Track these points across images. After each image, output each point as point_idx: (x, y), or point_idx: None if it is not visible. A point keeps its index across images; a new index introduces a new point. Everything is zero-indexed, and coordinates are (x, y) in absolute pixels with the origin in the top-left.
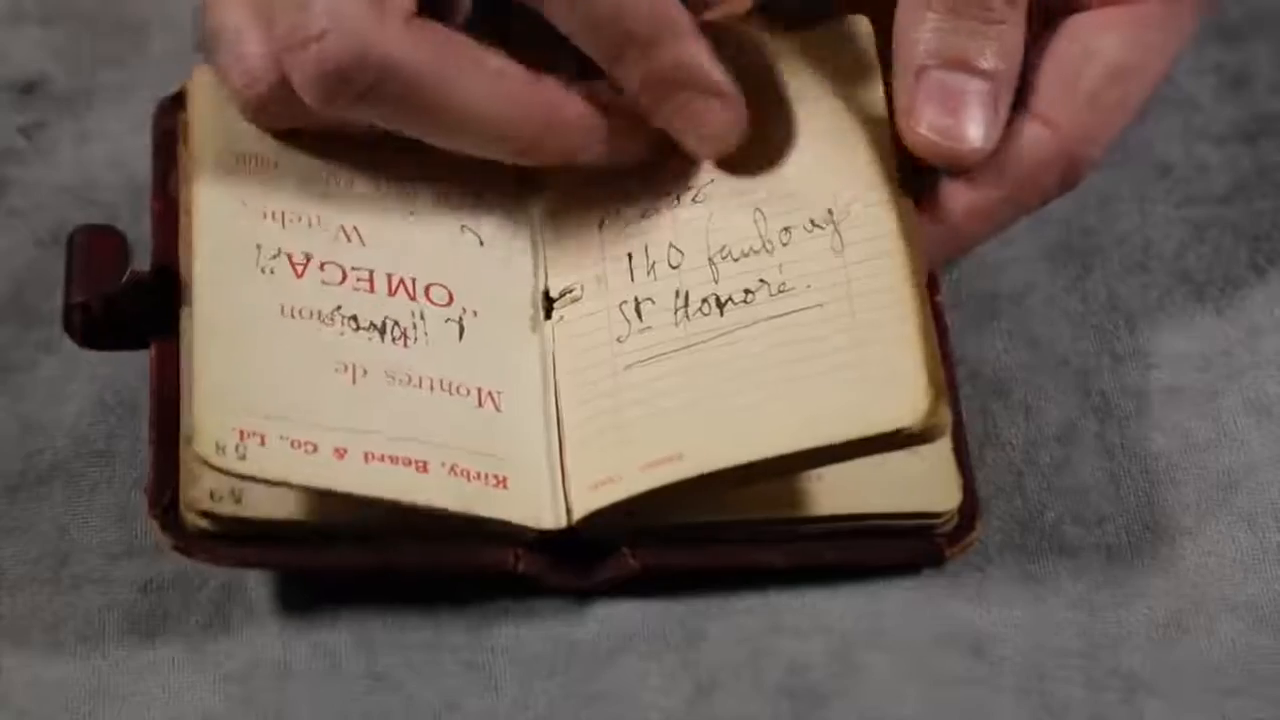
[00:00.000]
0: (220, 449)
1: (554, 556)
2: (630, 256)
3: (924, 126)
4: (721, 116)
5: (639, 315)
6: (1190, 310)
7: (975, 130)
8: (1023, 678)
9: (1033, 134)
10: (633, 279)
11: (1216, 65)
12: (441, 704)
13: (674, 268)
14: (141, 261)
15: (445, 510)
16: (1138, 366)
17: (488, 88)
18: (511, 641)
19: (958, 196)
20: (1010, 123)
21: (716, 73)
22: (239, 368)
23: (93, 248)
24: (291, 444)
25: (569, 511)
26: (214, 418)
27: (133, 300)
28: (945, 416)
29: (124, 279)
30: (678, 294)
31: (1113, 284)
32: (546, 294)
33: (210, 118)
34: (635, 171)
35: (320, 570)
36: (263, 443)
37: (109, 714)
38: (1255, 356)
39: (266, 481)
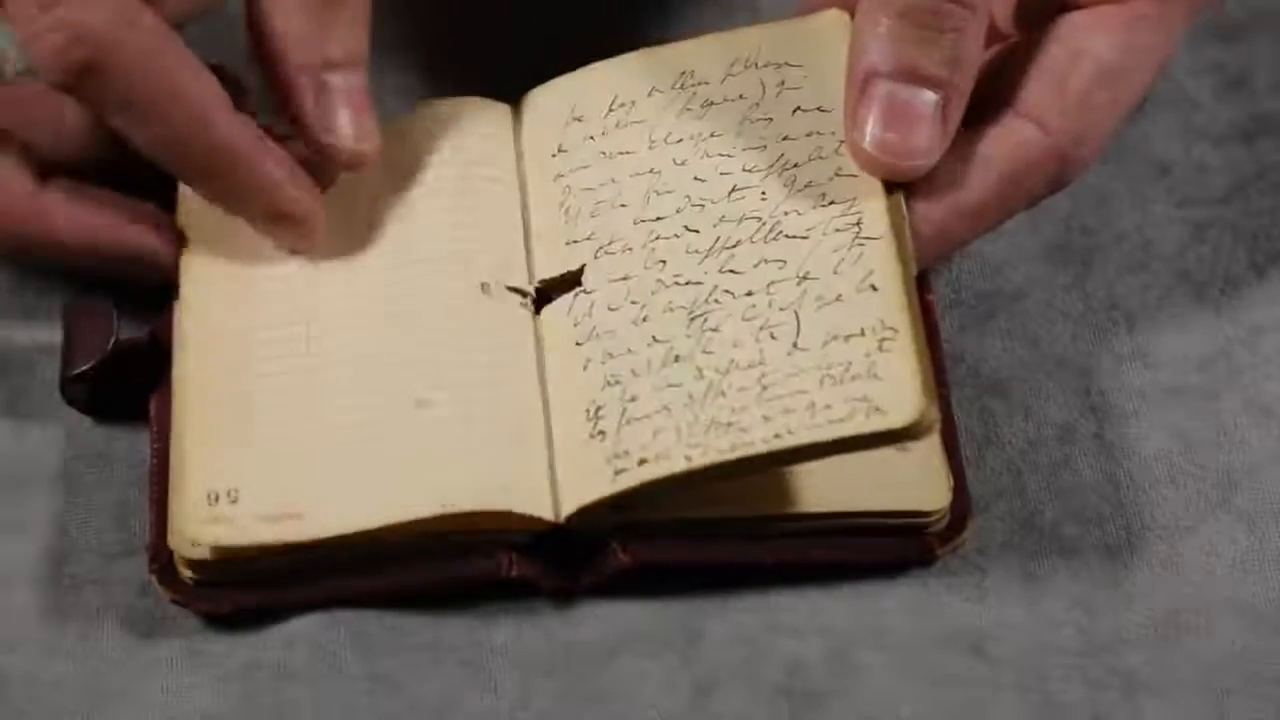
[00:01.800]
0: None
1: (548, 558)
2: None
3: (865, 139)
4: (285, 231)
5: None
6: (1190, 310)
7: (916, 145)
8: (1022, 677)
9: (1022, 134)
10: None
11: (1216, 64)
12: (441, 704)
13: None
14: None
15: (435, 516)
16: (1137, 366)
17: None
18: (511, 642)
19: (945, 194)
20: (999, 122)
21: (283, 195)
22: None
23: (84, 321)
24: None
25: (558, 506)
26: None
27: (121, 367)
28: (933, 415)
29: (110, 347)
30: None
31: (1113, 283)
32: (537, 289)
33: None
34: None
35: (317, 604)
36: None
37: (108, 714)
38: (1255, 356)
39: (250, 549)
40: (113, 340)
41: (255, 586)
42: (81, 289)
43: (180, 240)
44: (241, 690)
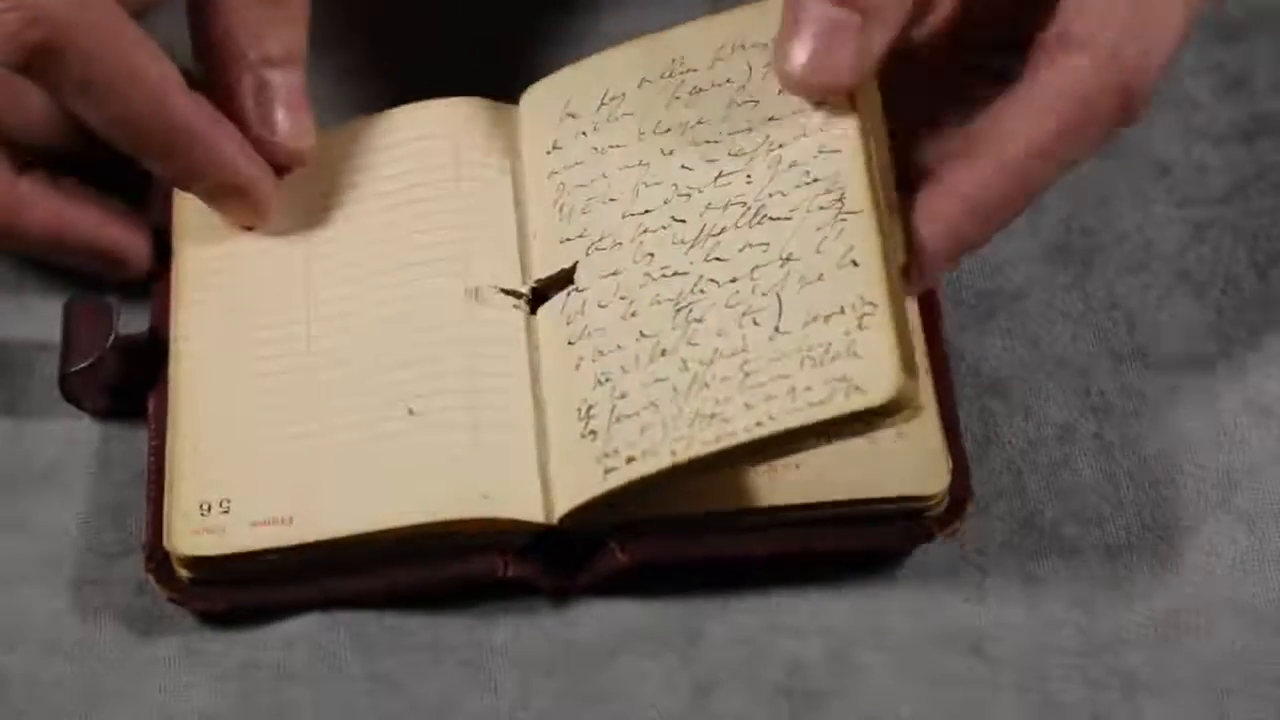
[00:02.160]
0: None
1: (547, 558)
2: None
3: (788, 60)
4: (239, 207)
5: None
6: (1190, 310)
7: (836, 63)
8: (1022, 677)
9: (1082, 67)
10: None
11: (1216, 64)
12: (441, 705)
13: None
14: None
15: (430, 522)
16: (1137, 366)
17: None
18: (511, 642)
19: (1018, 136)
20: (1058, 58)
21: (237, 171)
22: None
23: (83, 317)
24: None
25: (552, 508)
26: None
27: (121, 363)
28: (912, 391)
29: (109, 343)
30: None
31: (1113, 283)
32: (533, 289)
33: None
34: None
35: (314, 604)
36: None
37: (106, 714)
38: (1256, 356)
39: (242, 555)
40: (112, 337)
41: (252, 585)
42: (81, 286)
43: (173, 244)
44: (240, 690)
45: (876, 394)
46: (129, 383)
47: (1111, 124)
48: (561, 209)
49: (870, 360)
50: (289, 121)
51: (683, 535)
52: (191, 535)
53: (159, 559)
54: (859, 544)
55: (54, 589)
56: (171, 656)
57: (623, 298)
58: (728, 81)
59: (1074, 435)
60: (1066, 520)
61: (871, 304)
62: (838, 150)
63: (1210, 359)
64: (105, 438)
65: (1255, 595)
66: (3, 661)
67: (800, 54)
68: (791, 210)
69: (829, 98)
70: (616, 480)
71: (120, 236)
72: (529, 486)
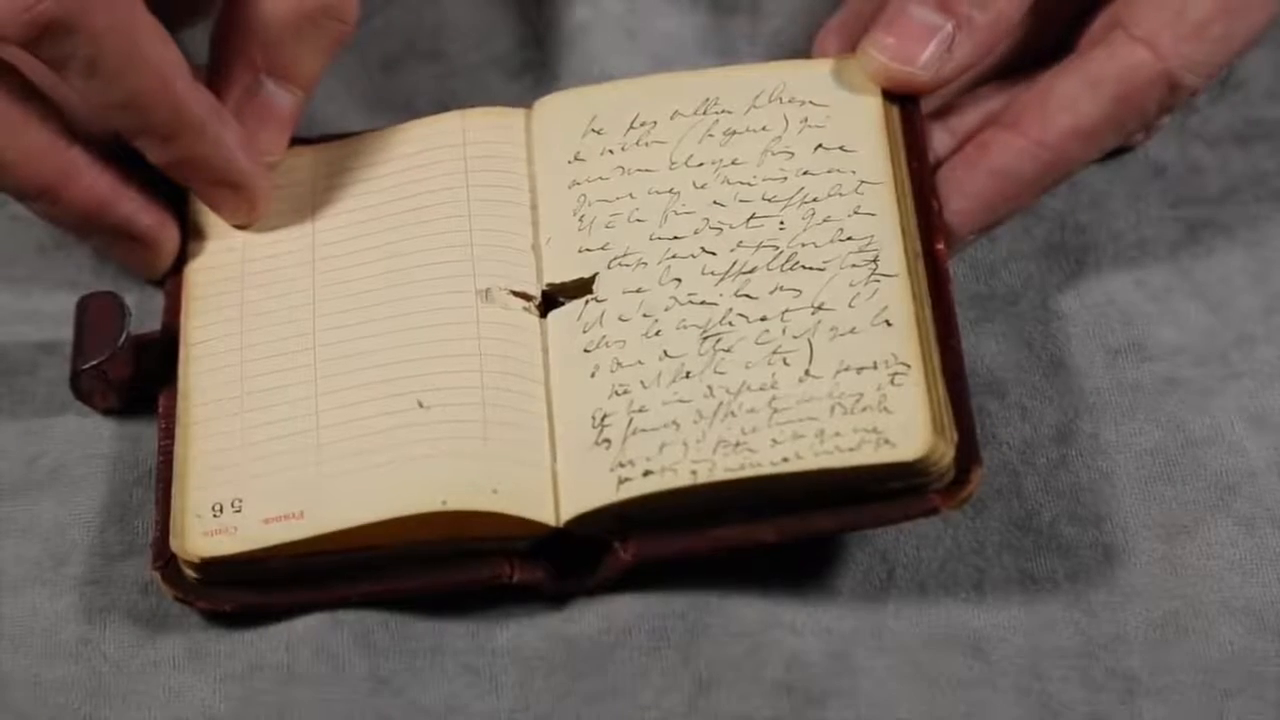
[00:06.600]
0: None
1: (550, 561)
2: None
3: (873, 43)
4: (233, 201)
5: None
6: (1185, 310)
7: (913, 54)
8: (1021, 678)
9: (1135, 57)
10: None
11: None
12: (443, 707)
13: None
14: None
15: (434, 514)
16: (1133, 361)
17: None
18: (513, 643)
19: (1060, 118)
20: (1110, 44)
21: (235, 164)
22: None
23: (96, 314)
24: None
25: (559, 511)
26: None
27: (133, 361)
28: (942, 451)
29: (120, 342)
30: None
31: (1107, 283)
32: (545, 293)
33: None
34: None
35: (321, 606)
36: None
37: (109, 714)
38: (1251, 360)
39: (254, 554)
40: (124, 334)
41: (260, 586)
42: (89, 289)
43: (187, 245)
44: (244, 691)
45: (906, 450)
46: (140, 381)
47: (1151, 115)
48: (582, 219)
49: (901, 416)
50: (260, 132)
51: (685, 530)
52: (205, 537)
53: (166, 558)
54: (862, 522)
55: (58, 589)
56: (176, 657)
57: (646, 315)
58: (763, 129)
59: (1071, 435)
60: (1064, 520)
61: (905, 364)
62: (873, 214)
63: (1205, 356)
64: (110, 439)
65: (1254, 597)
66: (7, 662)
67: (889, 41)
68: (825, 262)
69: (902, 87)
70: (631, 491)
71: (155, 225)
72: (539, 487)
